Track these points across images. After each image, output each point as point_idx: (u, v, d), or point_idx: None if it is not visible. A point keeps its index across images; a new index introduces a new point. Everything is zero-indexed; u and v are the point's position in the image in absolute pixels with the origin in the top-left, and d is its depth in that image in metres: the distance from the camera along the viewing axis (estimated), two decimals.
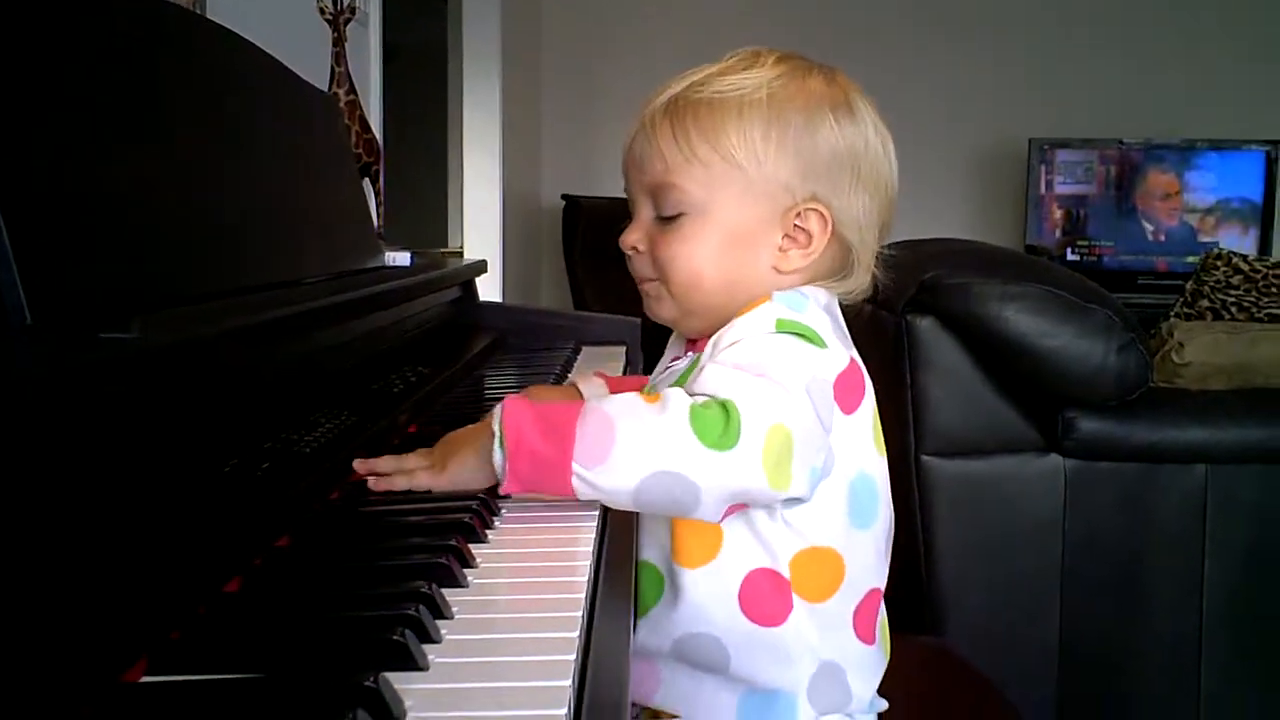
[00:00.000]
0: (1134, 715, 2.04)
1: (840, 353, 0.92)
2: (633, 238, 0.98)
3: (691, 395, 0.83)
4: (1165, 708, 2.02)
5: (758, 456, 0.80)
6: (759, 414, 0.80)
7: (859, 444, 0.93)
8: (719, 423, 0.79)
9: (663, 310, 0.99)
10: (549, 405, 0.84)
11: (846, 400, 0.92)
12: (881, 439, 0.96)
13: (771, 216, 0.94)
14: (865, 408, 0.94)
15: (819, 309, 0.94)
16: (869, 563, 0.94)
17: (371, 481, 0.86)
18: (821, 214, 0.93)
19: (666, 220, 0.96)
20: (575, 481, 0.79)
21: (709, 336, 0.95)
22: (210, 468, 0.75)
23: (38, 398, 0.59)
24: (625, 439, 0.79)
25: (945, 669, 1.31)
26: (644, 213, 0.98)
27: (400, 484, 0.85)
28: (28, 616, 0.48)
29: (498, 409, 0.83)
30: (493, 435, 0.81)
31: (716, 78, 0.94)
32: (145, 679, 0.53)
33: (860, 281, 0.98)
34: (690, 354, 0.99)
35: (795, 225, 0.94)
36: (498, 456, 0.81)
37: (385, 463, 0.88)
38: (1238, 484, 1.96)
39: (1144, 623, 2.02)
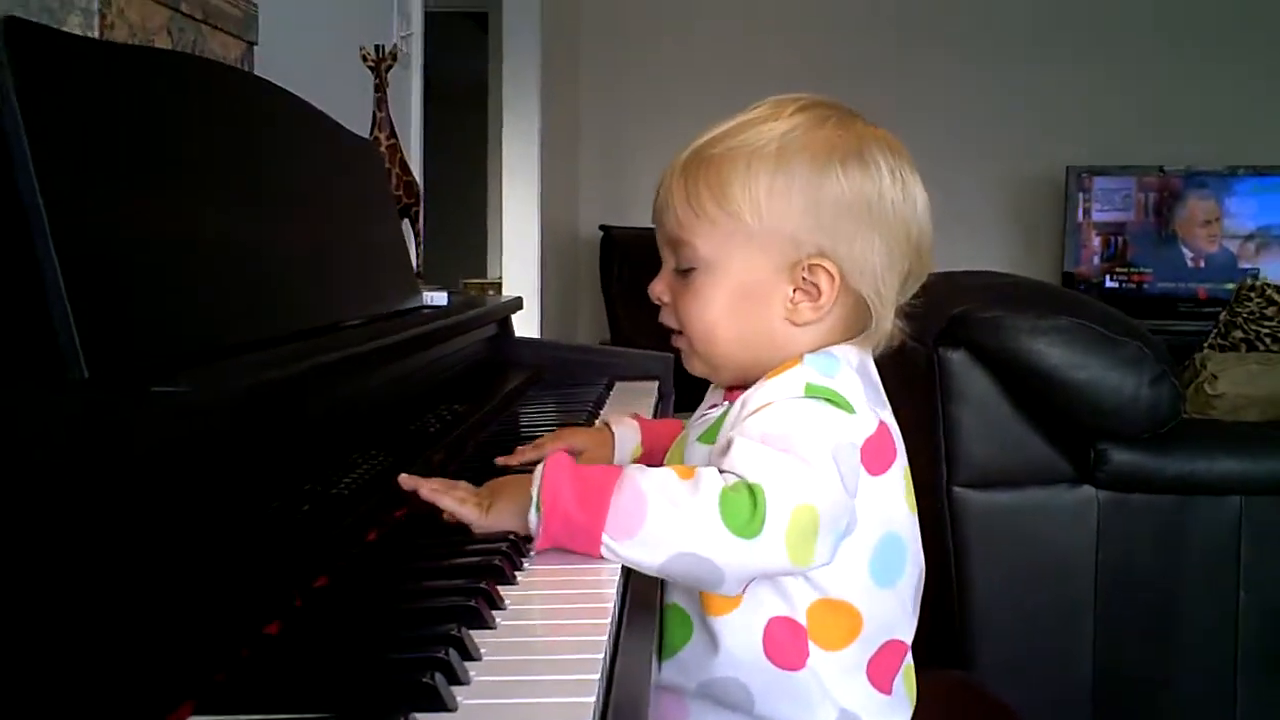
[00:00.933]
0: None
1: (869, 417, 0.93)
2: (658, 288, 1.01)
3: (721, 472, 0.85)
4: None
5: (781, 541, 0.82)
6: (784, 497, 0.82)
7: (888, 504, 0.94)
8: (746, 509, 0.82)
9: (694, 367, 1.02)
10: (589, 471, 0.87)
11: (875, 463, 0.93)
12: (912, 495, 0.97)
13: (779, 270, 0.95)
14: (896, 468, 0.95)
15: (850, 370, 0.94)
16: (890, 617, 0.95)
17: (424, 492, 0.90)
18: (827, 269, 0.94)
19: (683, 274, 0.98)
20: (604, 550, 0.83)
21: (745, 385, 0.97)
22: (253, 511, 0.79)
23: (93, 448, 0.63)
24: (656, 517, 0.82)
25: (973, 703, 1.32)
26: (668, 264, 1.00)
27: (447, 503, 0.89)
28: (78, 660, 0.52)
29: (539, 469, 0.86)
30: (530, 497, 0.85)
31: (734, 132, 0.96)
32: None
33: (882, 334, 0.97)
34: (726, 403, 1.00)
35: (803, 279, 0.94)
36: (533, 517, 0.84)
37: (437, 481, 0.92)
38: (1272, 516, 1.95)
39: (1178, 656, 2.01)
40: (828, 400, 0.90)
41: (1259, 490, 1.92)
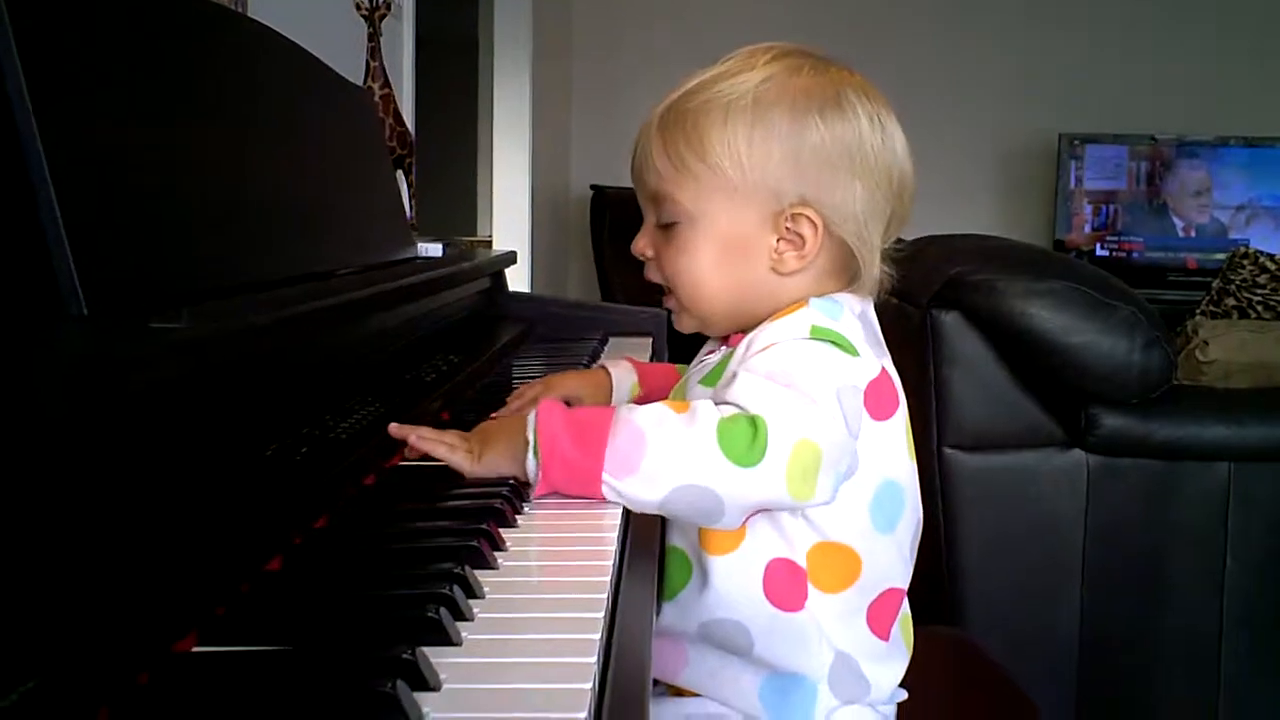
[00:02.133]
0: (1153, 710, 2.05)
1: (872, 361, 0.93)
2: (641, 243, 1.01)
3: (721, 404, 0.85)
4: (1184, 703, 2.03)
5: (782, 472, 0.82)
6: (786, 429, 0.82)
7: (891, 451, 0.95)
8: (746, 438, 0.82)
9: (683, 323, 1.02)
10: (582, 412, 0.87)
11: (879, 408, 0.93)
12: (912, 445, 0.98)
13: (762, 221, 0.95)
14: (898, 416, 0.96)
15: (853, 317, 0.95)
16: (888, 564, 0.96)
17: (412, 440, 0.90)
18: (810, 218, 0.93)
19: (666, 228, 0.98)
20: (605, 490, 0.83)
21: (740, 332, 0.97)
22: (252, 452, 0.78)
23: (94, 385, 0.62)
24: (655, 451, 0.82)
25: (964, 661, 1.33)
26: (649, 220, 1.00)
27: (440, 451, 0.88)
28: (90, 591, 0.52)
29: (531, 414, 0.86)
30: (527, 441, 0.84)
31: (709, 84, 0.95)
32: (196, 649, 0.56)
33: (872, 280, 0.98)
34: (724, 348, 1.01)
35: (787, 228, 0.94)
36: (531, 463, 0.84)
37: (426, 430, 0.91)
38: (1260, 482, 1.96)
39: (1164, 618, 2.03)
40: (833, 343, 0.90)
41: (1248, 456, 1.94)
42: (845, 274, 0.97)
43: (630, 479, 0.82)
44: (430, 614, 0.57)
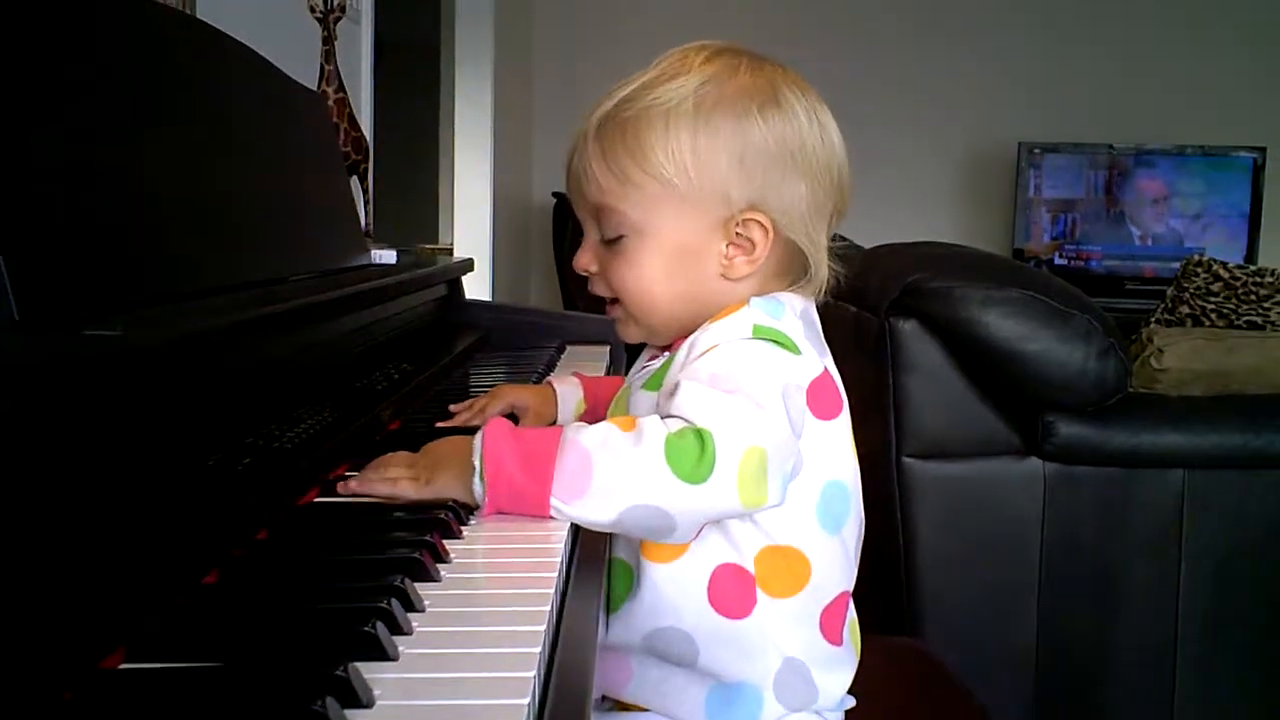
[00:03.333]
0: (1108, 717, 2.06)
1: (814, 360, 0.93)
2: (584, 259, 0.99)
3: (667, 417, 0.84)
4: (1140, 710, 2.04)
5: (733, 483, 0.81)
6: (734, 440, 0.81)
7: (835, 451, 0.95)
8: (694, 454, 0.81)
9: (629, 333, 1.01)
10: (528, 433, 0.85)
11: (823, 408, 0.93)
12: (853, 446, 0.98)
13: (711, 228, 0.93)
14: (842, 417, 0.95)
15: (794, 316, 0.94)
16: (837, 566, 0.95)
17: (353, 484, 0.87)
18: (760, 223, 0.93)
19: (610, 242, 0.96)
20: (554, 512, 0.82)
21: (682, 338, 0.96)
22: (192, 463, 0.76)
23: (23, 392, 0.60)
24: (602, 474, 0.81)
25: (916, 669, 1.33)
26: (591, 234, 0.98)
27: (382, 490, 0.86)
28: (10, 605, 0.50)
29: (479, 437, 0.84)
30: (473, 467, 0.83)
31: (644, 91, 0.93)
32: (123, 666, 0.54)
33: (820, 282, 0.97)
34: (665, 354, 1.00)
35: (737, 234, 0.93)
36: (477, 487, 0.83)
37: (369, 470, 0.88)
38: (1213, 489, 1.98)
39: (1120, 626, 2.04)
40: (774, 341, 0.90)
41: (1201, 464, 1.95)
42: (790, 274, 0.97)
43: (578, 502, 0.81)
44: (367, 629, 0.56)
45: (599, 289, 1.00)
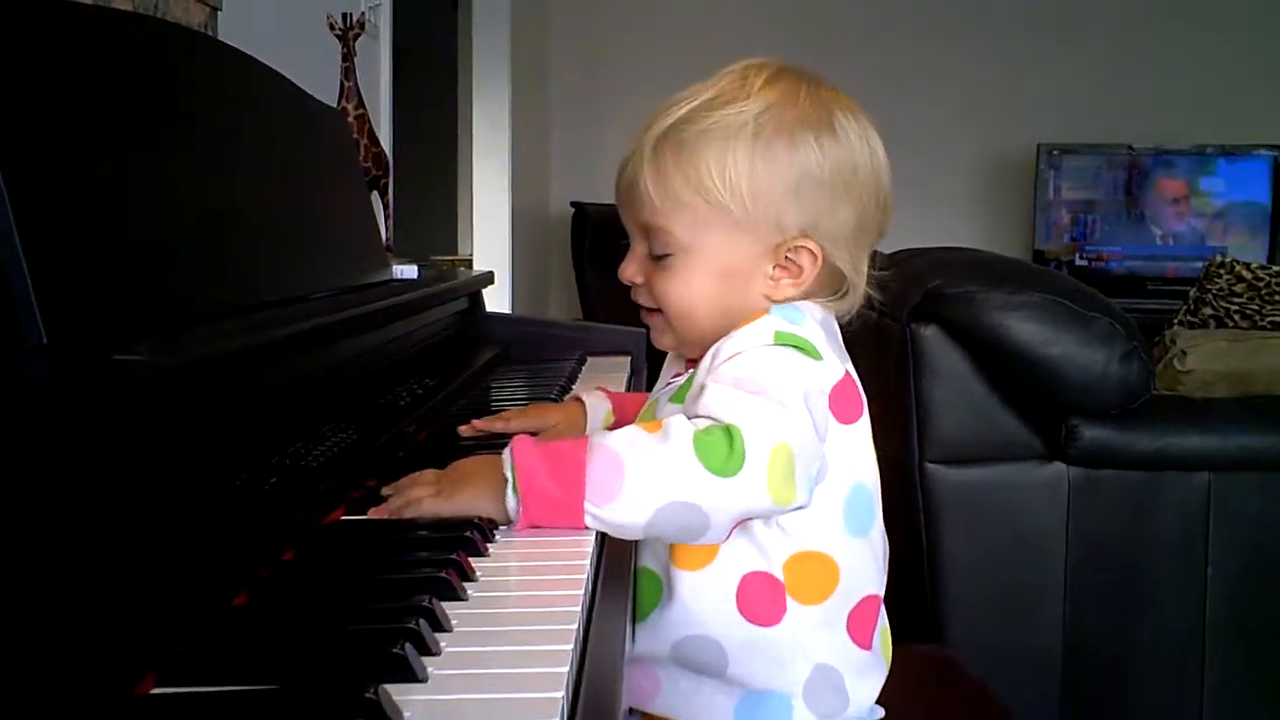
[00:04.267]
0: None
1: (835, 365, 0.94)
2: (630, 271, 1.00)
3: (693, 417, 0.85)
4: (1167, 714, 2.03)
5: (763, 478, 0.82)
6: (761, 436, 0.82)
7: (858, 455, 0.95)
8: (723, 449, 0.81)
9: (664, 341, 1.02)
10: (556, 445, 0.86)
11: (845, 412, 0.94)
12: (873, 449, 0.98)
13: (762, 251, 0.95)
14: (863, 421, 0.96)
15: (814, 324, 0.95)
16: (865, 569, 0.96)
17: (373, 510, 0.86)
18: (811, 250, 0.94)
19: (658, 258, 0.97)
20: (588, 519, 0.82)
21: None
22: (219, 483, 0.77)
23: (51, 416, 0.61)
24: (634, 474, 0.82)
25: (943, 677, 1.32)
26: (639, 247, 0.99)
27: (406, 513, 0.85)
28: (40, 629, 0.51)
29: (507, 451, 0.84)
30: (505, 479, 0.83)
31: (703, 112, 0.94)
32: (154, 691, 0.55)
33: (854, 301, 0.99)
34: (690, 370, 1.00)
35: (787, 258, 0.95)
36: (511, 501, 0.83)
37: (393, 497, 0.87)
38: (1239, 492, 1.97)
39: (1145, 630, 2.03)
40: (796, 347, 0.91)
41: (1227, 466, 1.94)
42: (829, 295, 0.98)
43: (612, 505, 0.81)
44: (395, 650, 0.56)
45: (642, 299, 1.01)
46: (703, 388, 0.88)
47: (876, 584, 0.98)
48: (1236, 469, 1.96)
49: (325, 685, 0.55)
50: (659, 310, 0.99)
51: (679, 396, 0.96)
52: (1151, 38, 4.67)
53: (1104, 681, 2.04)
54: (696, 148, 0.93)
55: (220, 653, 0.59)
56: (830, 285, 0.98)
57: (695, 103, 0.95)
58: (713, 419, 0.84)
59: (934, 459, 1.99)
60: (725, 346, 0.92)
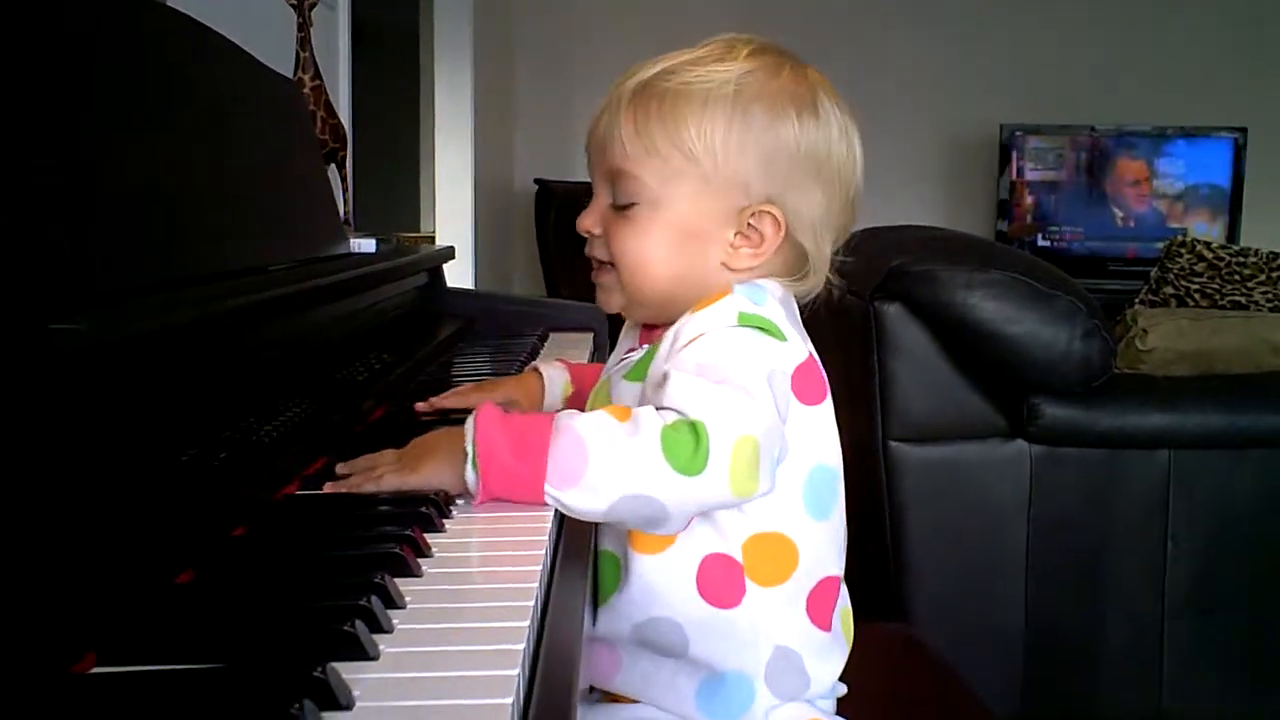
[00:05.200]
0: (1098, 697, 2.06)
1: (799, 346, 0.93)
2: (588, 221, 0.98)
3: (661, 409, 0.83)
4: (1127, 690, 2.05)
5: (725, 474, 0.81)
6: (726, 431, 0.81)
7: (821, 436, 0.94)
8: (689, 446, 0.80)
9: (612, 301, 1.00)
10: (520, 419, 0.84)
11: (808, 393, 0.93)
12: (836, 432, 0.97)
13: (725, 214, 0.94)
14: (827, 402, 0.95)
15: (775, 302, 0.94)
16: (824, 551, 0.95)
17: (342, 488, 0.85)
18: (775, 217, 0.93)
19: (621, 208, 0.96)
20: (548, 499, 0.81)
21: (661, 326, 0.96)
22: (167, 458, 0.75)
23: None
24: (598, 462, 0.80)
25: (907, 655, 1.32)
26: (602, 198, 0.98)
27: (369, 488, 0.84)
28: None
29: (470, 423, 0.83)
30: (465, 453, 0.81)
31: (687, 67, 0.93)
32: (95, 670, 0.53)
33: (815, 284, 0.98)
34: (645, 345, 0.99)
35: (749, 224, 0.94)
36: (470, 474, 0.81)
37: (355, 475, 0.86)
38: (1199, 469, 1.98)
39: (1106, 606, 2.04)
40: (760, 329, 0.89)
41: (1187, 444, 1.95)
42: (790, 275, 0.97)
43: (573, 490, 0.80)
44: (346, 628, 0.54)
45: (598, 251, 0.99)
46: (666, 376, 0.86)
47: (836, 565, 0.97)
48: (1196, 447, 1.97)
49: (272, 664, 0.54)
50: (611, 266, 0.97)
51: (636, 374, 0.95)
52: (1115, 18, 4.69)
53: (1066, 658, 2.06)
54: (677, 98, 0.92)
55: (164, 631, 0.57)
56: (791, 264, 0.97)
57: (679, 59, 0.95)
58: (679, 412, 0.82)
59: (897, 437, 1.99)
60: (687, 328, 0.90)
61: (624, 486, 0.80)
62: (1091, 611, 2.05)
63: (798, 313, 0.98)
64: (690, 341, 0.88)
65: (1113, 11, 4.68)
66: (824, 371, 0.96)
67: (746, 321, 0.89)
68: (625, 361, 1.00)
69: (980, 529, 2.05)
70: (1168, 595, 1.99)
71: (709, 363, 0.85)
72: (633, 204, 0.95)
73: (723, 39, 0.97)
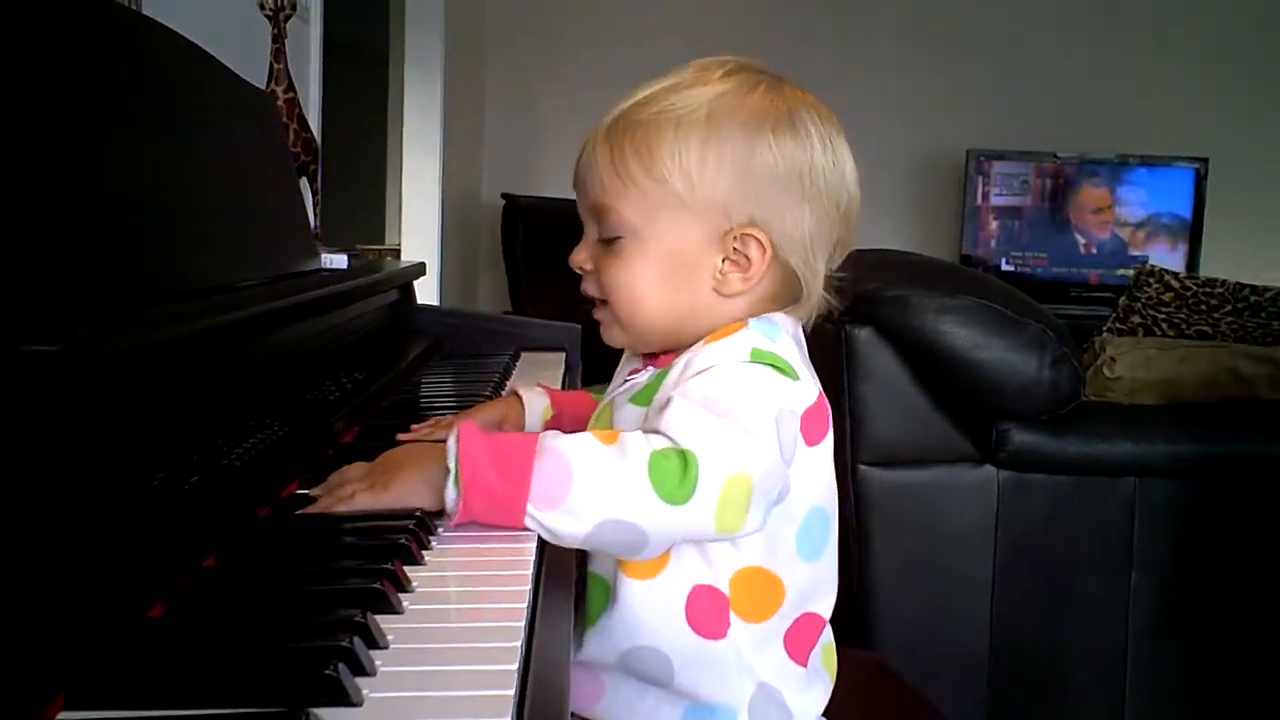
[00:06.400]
0: None
1: (810, 386, 0.91)
2: (580, 256, 0.97)
3: (652, 433, 0.82)
4: (1093, 715, 2.05)
5: (711, 508, 0.79)
6: (718, 464, 0.80)
7: (819, 476, 0.93)
8: (676, 474, 0.79)
9: (614, 337, 0.99)
10: (504, 439, 0.82)
11: (812, 432, 0.91)
12: (832, 468, 0.96)
13: (709, 239, 0.92)
14: (828, 441, 0.94)
15: (789, 338, 0.92)
16: (810, 590, 0.94)
17: (314, 510, 0.83)
18: (759, 240, 0.91)
19: (607, 242, 0.95)
20: (528, 521, 0.79)
21: (668, 351, 0.95)
22: (135, 483, 0.72)
23: None
24: (582, 485, 0.79)
25: (882, 685, 1.31)
26: (590, 233, 0.97)
27: (341, 509, 0.82)
28: None
29: (452, 440, 0.81)
30: (446, 470, 0.79)
31: (661, 96, 0.92)
32: (62, 716, 0.50)
33: (811, 309, 0.97)
34: (650, 368, 0.97)
35: (734, 249, 0.92)
36: (451, 492, 0.79)
37: (324, 495, 0.84)
38: (1164, 497, 1.99)
39: (1071, 633, 2.05)
40: (773, 366, 0.88)
41: (1153, 472, 1.96)
42: (786, 298, 0.95)
43: (554, 512, 0.78)
44: (328, 671, 0.52)
45: (590, 288, 0.98)
46: (669, 401, 0.85)
47: (823, 604, 0.96)
48: (1162, 475, 1.98)
49: (251, 711, 0.51)
50: (606, 302, 0.96)
51: (642, 398, 0.93)
52: (1079, 47, 4.74)
53: (1029, 683, 2.06)
54: (649, 129, 0.91)
55: (135, 673, 0.54)
56: (784, 288, 0.95)
57: (654, 89, 0.94)
58: (672, 440, 0.81)
59: (866, 461, 1.99)
60: (698, 359, 0.89)
61: (607, 511, 0.78)
62: (1055, 637, 2.05)
63: (804, 346, 0.97)
64: (700, 372, 0.87)
65: (1077, 40, 4.74)
66: (829, 408, 0.95)
67: (759, 358, 0.88)
68: (631, 384, 0.98)
69: (948, 554, 2.05)
70: (1131, 621, 2.00)
71: (715, 395, 0.84)
72: (618, 238, 0.94)
73: (699, 63, 0.96)
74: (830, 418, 0.94)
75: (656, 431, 0.82)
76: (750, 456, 0.82)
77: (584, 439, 0.82)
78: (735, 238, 0.91)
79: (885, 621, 2.00)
